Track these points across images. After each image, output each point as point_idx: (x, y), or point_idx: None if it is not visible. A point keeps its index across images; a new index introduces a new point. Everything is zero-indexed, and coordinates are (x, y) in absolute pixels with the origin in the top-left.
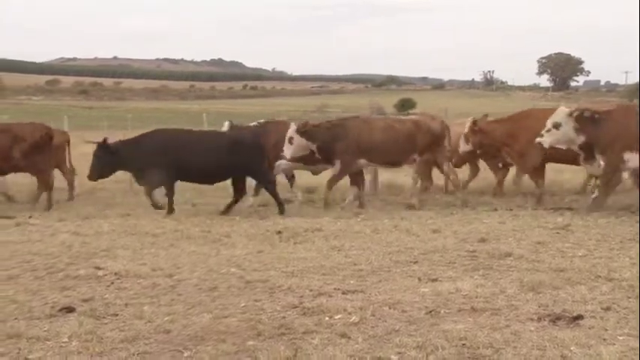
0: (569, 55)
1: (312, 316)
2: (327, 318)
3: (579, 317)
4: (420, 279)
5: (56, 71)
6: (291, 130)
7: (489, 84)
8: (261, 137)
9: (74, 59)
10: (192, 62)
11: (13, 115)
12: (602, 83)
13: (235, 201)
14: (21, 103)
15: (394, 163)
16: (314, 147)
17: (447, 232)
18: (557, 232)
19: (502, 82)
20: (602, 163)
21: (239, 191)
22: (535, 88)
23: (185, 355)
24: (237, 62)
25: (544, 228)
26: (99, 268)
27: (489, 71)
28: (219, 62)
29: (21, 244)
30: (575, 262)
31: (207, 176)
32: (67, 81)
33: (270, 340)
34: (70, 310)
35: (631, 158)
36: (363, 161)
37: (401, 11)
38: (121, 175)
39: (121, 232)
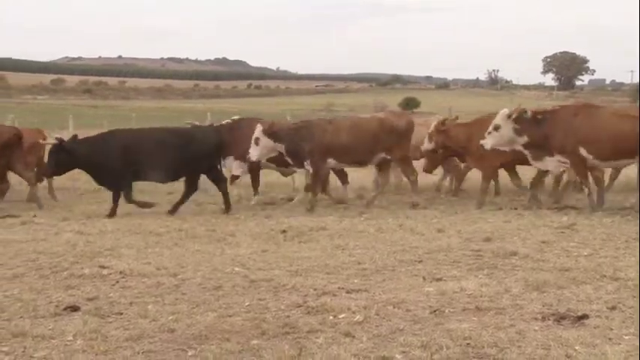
0: (574, 54)
1: (317, 315)
2: (331, 317)
3: (584, 317)
4: (424, 278)
5: (61, 70)
6: (258, 131)
7: (494, 83)
8: (234, 134)
9: (79, 58)
10: (196, 61)
11: (19, 115)
12: (608, 82)
13: (184, 198)
14: (26, 103)
15: (361, 162)
16: (281, 148)
17: (452, 231)
18: (562, 232)
19: (507, 82)
20: (562, 160)
21: (190, 188)
22: (540, 87)
23: (189, 354)
24: (241, 61)
25: (549, 227)
26: (103, 267)
27: (494, 70)
28: (223, 61)
29: (26, 243)
30: (581, 261)
31: (162, 175)
32: (72, 80)
33: (275, 339)
34: (74, 308)
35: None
36: (332, 161)
37: (405, 11)
38: None
39: (125, 231)
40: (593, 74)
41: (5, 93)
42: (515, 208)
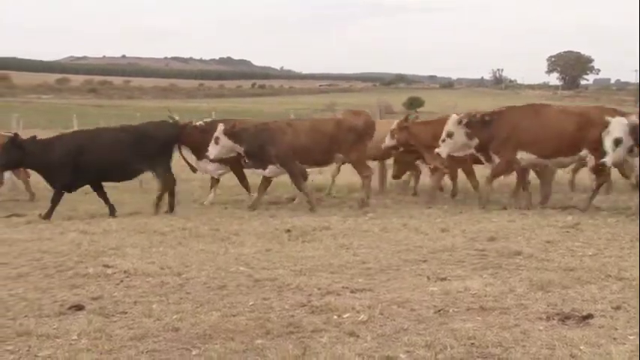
0: (578, 53)
1: (321, 315)
2: (335, 316)
3: (589, 316)
4: (428, 278)
5: (66, 70)
6: (219, 131)
7: (498, 82)
8: (207, 136)
9: (83, 58)
10: (200, 61)
11: (23, 114)
12: (613, 81)
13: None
14: (31, 102)
15: (320, 163)
16: (240, 150)
17: (456, 230)
18: (567, 231)
19: (511, 81)
20: (496, 160)
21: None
22: (544, 86)
23: (193, 353)
24: (245, 61)
25: (553, 227)
26: (108, 267)
27: (498, 70)
28: (227, 61)
29: (31, 242)
30: (585, 261)
31: (118, 174)
32: (77, 79)
33: (279, 339)
34: (79, 308)
35: (525, 157)
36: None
37: (408, 10)
38: None
39: (129, 231)
40: (597, 74)
41: (10, 92)
42: (520, 208)
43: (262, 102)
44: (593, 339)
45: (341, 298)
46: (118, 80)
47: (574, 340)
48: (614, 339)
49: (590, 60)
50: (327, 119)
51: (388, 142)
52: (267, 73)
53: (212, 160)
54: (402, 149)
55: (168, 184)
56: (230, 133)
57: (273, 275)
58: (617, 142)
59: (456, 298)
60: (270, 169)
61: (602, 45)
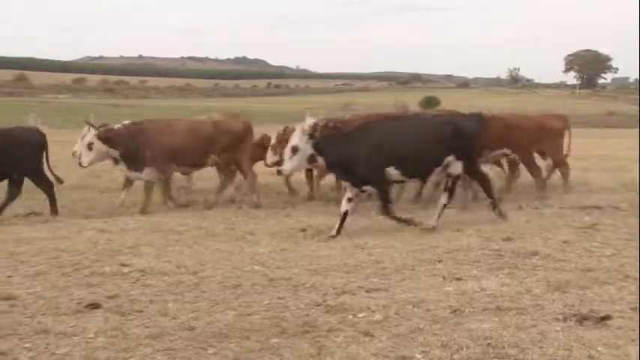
0: (596, 51)
1: (336, 314)
2: (350, 316)
3: (607, 317)
4: (444, 278)
5: (83, 70)
6: (91, 135)
7: (515, 82)
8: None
9: (100, 58)
10: (216, 60)
11: (41, 113)
12: (631, 80)
13: (8, 201)
14: (48, 102)
15: (196, 164)
16: (116, 154)
17: (471, 230)
18: (584, 231)
19: (528, 80)
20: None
21: (13, 191)
22: (562, 85)
23: (209, 351)
24: (261, 60)
25: (570, 227)
26: (124, 265)
27: (515, 69)
28: (243, 60)
29: (48, 241)
30: (603, 261)
31: None
32: (93, 79)
33: (294, 338)
34: (96, 306)
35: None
36: (173, 165)
37: (425, 9)
38: None
39: (145, 230)
40: (616, 72)
41: (28, 92)
42: (537, 208)
43: (277, 101)
44: (612, 340)
45: (356, 298)
46: (133, 80)
47: (592, 342)
48: (633, 340)
49: (608, 58)
50: (204, 120)
51: (270, 158)
52: (282, 73)
53: (86, 167)
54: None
55: (46, 189)
56: (104, 138)
57: (288, 274)
58: (294, 150)
59: (472, 299)
60: (147, 172)
61: (620, 43)
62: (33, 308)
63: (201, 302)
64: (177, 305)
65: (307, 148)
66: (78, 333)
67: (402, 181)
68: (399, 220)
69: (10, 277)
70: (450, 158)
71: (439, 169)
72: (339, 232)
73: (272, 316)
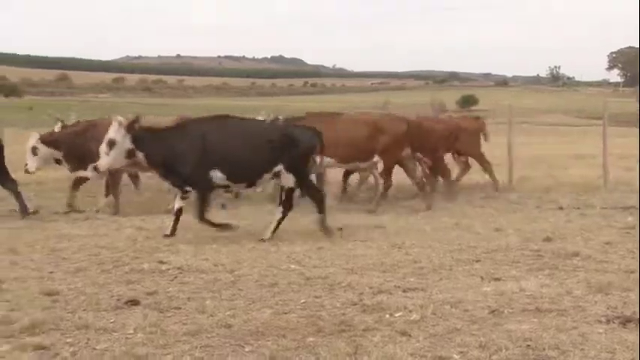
0: None
1: (373, 314)
2: (387, 315)
3: None
4: (482, 278)
5: (122, 69)
6: (34, 140)
7: (555, 80)
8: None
9: (139, 57)
10: (253, 59)
11: (80, 112)
12: None
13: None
14: (88, 101)
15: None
16: (59, 155)
17: (510, 230)
18: (627, 232)
19: (569, 78)
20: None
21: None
22: (604, 83)
23: (246, 349)
24: (297, 59)
25: (613, 227)
26: (162, 263)
27: (555, 67)
28: (279, 59)
29: (88, 238)
30: None
31: None
32: (132, 79)
33: (331, 337)
34: (135, 302)
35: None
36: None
37: (462, 8)
38: None
39: (182, 228)
40: None
41: (69, 92)
42: (578, 208)
43: (312, 100)
44: None
45: (393, 297)
46: (171, 79)
47: (635, 344)
48: None
49: None
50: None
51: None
52: (318, 72)
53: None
54: None
55: (10, 188)
56: (48, 141)
57: (324, 273)
58: (111, 144)
59: (511, 299)
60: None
61: None
62: (74, 304)
63: (238, 300)
64: (215, 303)
65: (125, 142)
66: (117, 329)
67: (227, 186)
68: (213, 225)
69: (52, 273)
70: (280, 167)
71: (267, 175)
72: (173, 233)
73: (308, 315)
